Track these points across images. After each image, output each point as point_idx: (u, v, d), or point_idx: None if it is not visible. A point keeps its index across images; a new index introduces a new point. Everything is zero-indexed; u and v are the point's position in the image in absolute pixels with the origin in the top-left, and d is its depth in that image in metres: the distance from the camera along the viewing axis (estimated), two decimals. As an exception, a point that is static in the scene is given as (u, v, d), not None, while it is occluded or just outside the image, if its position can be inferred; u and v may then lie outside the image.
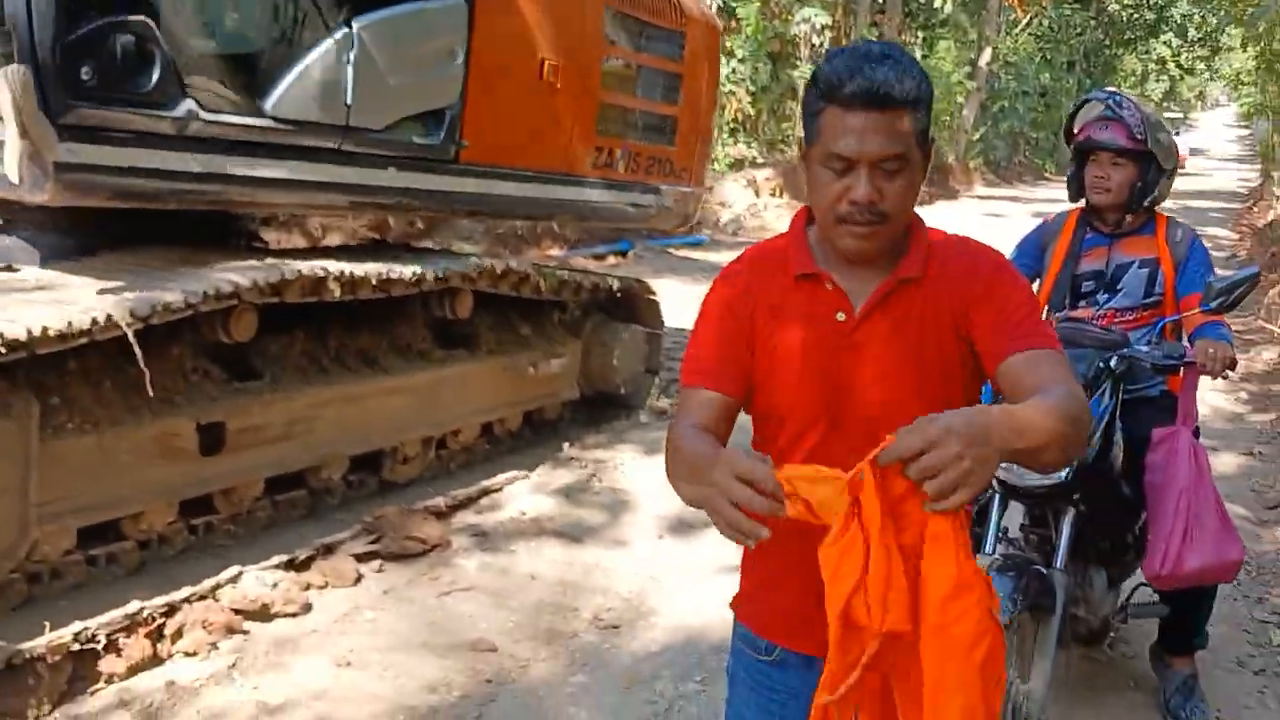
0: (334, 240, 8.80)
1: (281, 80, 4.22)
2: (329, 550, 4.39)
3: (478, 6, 4.89)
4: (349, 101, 4.41)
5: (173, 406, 3.97)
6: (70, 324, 3.36)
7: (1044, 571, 3.08)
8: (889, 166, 1.75)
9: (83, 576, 3.77)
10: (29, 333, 3.29)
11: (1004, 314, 1.82)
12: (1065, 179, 3.78)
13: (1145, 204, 3.55)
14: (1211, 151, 38.23)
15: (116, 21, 3.66)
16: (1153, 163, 3.50)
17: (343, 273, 4.40)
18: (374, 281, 4.58)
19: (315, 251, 5.60)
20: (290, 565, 4.20)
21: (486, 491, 5.26)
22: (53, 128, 3.53)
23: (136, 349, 3.55)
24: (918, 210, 1.91)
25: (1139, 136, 3.46)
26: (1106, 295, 3.61)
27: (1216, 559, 3.26)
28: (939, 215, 17.52)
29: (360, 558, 4.40)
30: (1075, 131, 3.62)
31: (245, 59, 4.27)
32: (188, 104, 3.86)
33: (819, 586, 1.57)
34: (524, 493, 5.33)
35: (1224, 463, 6.07)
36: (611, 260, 11.55)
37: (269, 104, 4.19)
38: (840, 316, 1.86)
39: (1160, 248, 3.57)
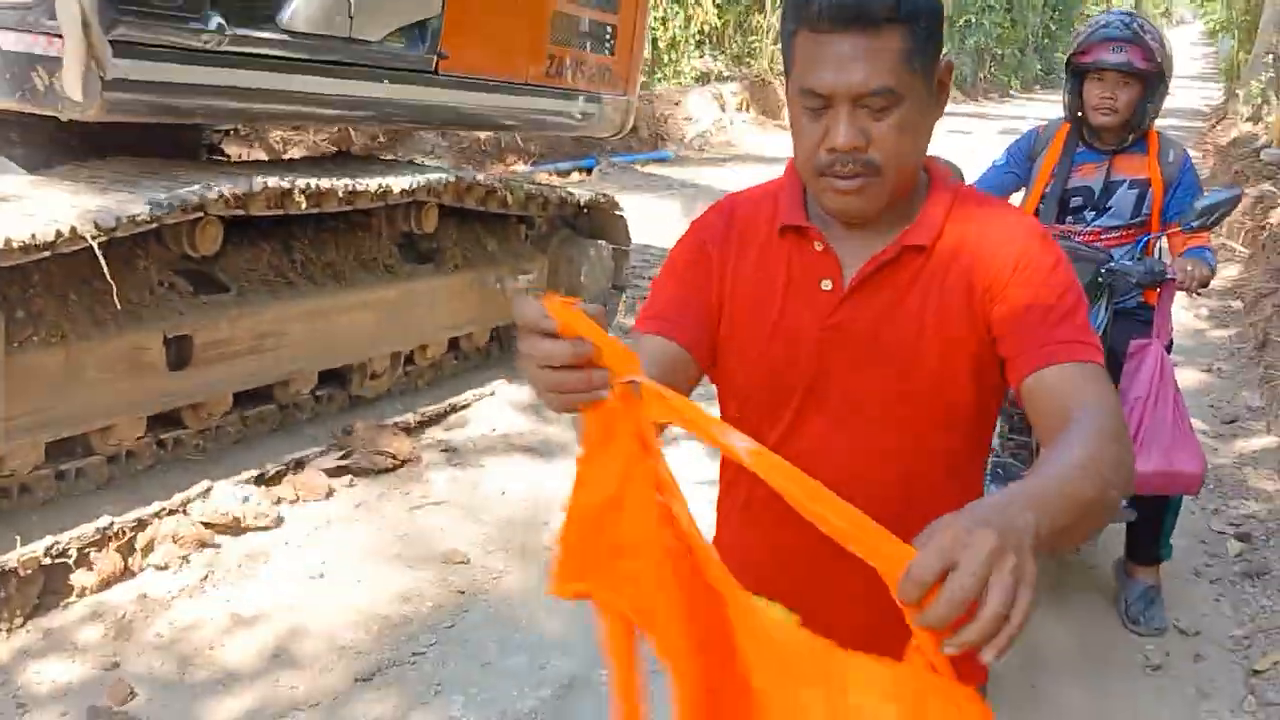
0: (296, 153, 8.69)
1: None
2: (299, 465, 4.40)
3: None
4: (351, 13, 4.47)
5: (139, 321, 3.93)
6: (34, 235, 3.31)
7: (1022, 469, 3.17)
8: (875, 103, 1.41)
9: (52, 491, 3.75)
10: (-8, 245, 3.24)
11: (1034, 310, 1.46)
12: (1062, 98, 3.74)
13: (1148, 123, 3.58)
14: (1176, 70, 38.22)
15: None
16: (1160, 82, 3.51)
17: (308, 185, 4.35)
18: (340, 194, 4.52)
19: (280, 164, 5.54)
20: (260, 480, 4.21)
21: (455, 408, 5.26)
22: (108, 44, 3.56)
23: (102, 261, 3.51)
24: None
25: (1158, 59, 3.47)
26: (1094, 213, 3.65)
27: (1166, 468, 3.35)
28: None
29: (331, 472, 4.41)
30: (1081, 53, 3.57)
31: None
32: (216, 18, 3.90)
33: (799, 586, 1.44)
34: (493, 409, 5.34)
35: (1185, 378, 6.14)
36: (576, 176, 11.47)
37: (283, 17, 4.23)
38: (826, 285, 1.55)
39: (1151, 168, 3.60)
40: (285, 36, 4.25)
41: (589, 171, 11.76)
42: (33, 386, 3.56)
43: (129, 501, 3.82)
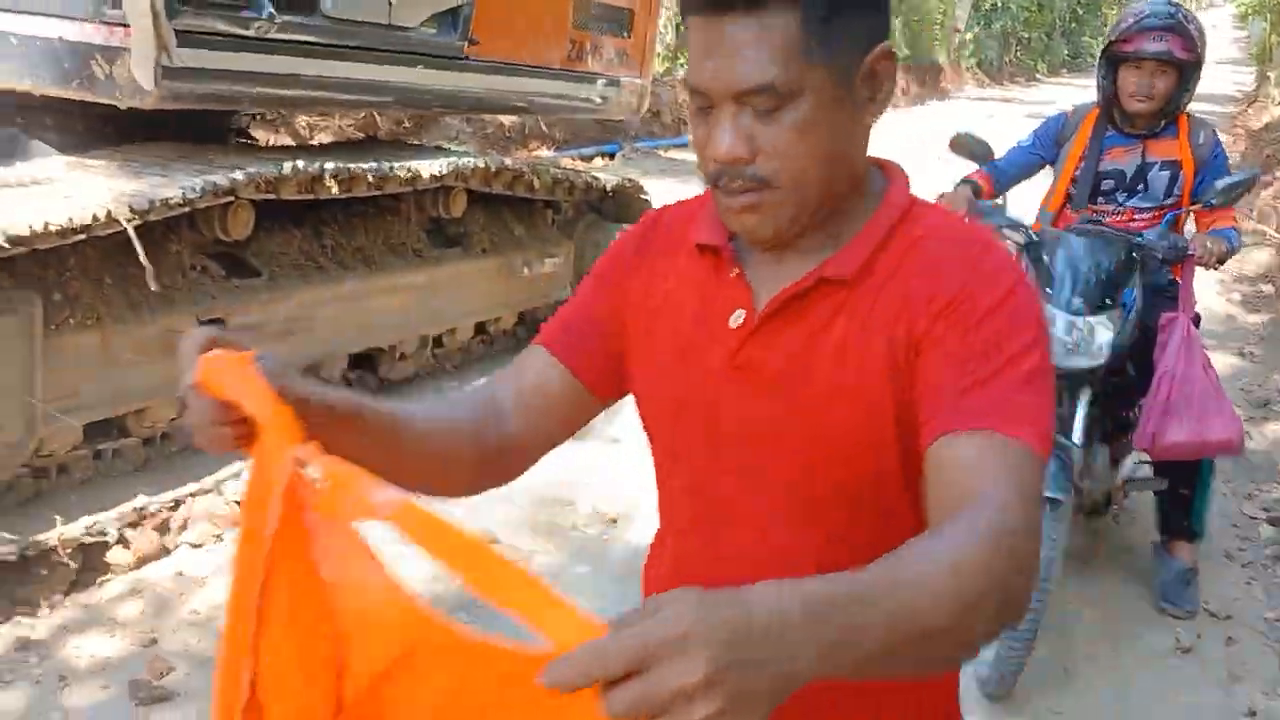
0: (324, 139, 8.73)
1: None
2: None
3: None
4: (390, 0, 4.61)
5: (172, 304, 3.97)
6: (71, 219, 3.35)
7: (1066, 444, 3.25)
8: (759, 103, 1.12)
9: (89, 472, 3.80)
10: (30, 228, 3.28)
11: (954, 363, 1.11)
12: (1096, 84, 3.75)
13: (1182, 109, 3.63)
14: (1207, 54, 37.87)
15: None
16: (1196, 70, 3.54)
17: (339, 169, 4.39)
18: (370, 178, 4.56)
19: (309, 149, 5.58)
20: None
21: (483, 390, 5.29)
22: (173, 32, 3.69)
23: (137, 244, 3.55)
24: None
25: (1197, 48, 3.50)
26: (1126, 194, 3.69)
27: (1199, 436, 3.41)
28: (930, 115, 17.38)
29: (361, 454, 4.44)
30: (1122, 41, 3.57)
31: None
32: (267, 6, 4.02)
33: None
34: (521, 391, 5.36)
35: (1217, 362, 6.10)
36: (599, 162, 11.47)
37: (327, 4, 4.35)
38: (736, 319, 1.23)
39: (1183, 149, 3.66)
40: (328, 23, 4.36)
41: (612, 157, 11.77)
42: (70, 369, 3.61)
43: (164, 482, 3.86)
